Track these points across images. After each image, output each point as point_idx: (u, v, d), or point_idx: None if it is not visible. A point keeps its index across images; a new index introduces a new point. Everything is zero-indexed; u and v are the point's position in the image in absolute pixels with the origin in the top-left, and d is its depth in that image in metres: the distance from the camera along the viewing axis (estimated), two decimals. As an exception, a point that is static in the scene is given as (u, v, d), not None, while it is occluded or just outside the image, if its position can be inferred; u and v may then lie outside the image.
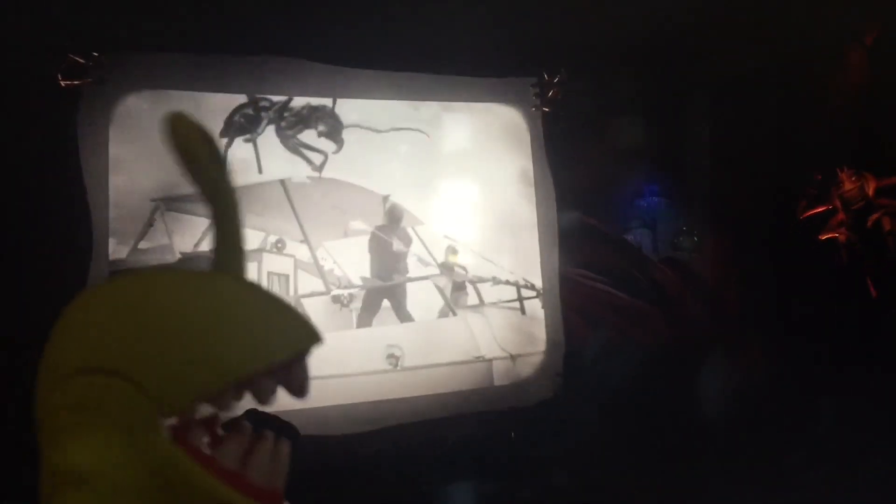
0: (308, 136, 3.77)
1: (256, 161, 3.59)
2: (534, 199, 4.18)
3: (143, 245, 3.45)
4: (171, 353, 0.62)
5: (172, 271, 0.69)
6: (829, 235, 4.09)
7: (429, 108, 4.12)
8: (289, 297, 3.57)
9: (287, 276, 3.63)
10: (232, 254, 0.70)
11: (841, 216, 4.04)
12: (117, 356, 0.60)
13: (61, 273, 3.00)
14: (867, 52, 3.92)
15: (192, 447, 0.64)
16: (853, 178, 4.02)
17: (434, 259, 4.02)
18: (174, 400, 0.62)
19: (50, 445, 0.58)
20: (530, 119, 4.21)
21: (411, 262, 3.97)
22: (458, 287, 4.05)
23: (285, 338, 0.68)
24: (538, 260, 4.15)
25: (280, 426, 2.09)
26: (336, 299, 3.67)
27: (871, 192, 3.97)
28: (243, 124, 3.59)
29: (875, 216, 3.95)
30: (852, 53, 3.98)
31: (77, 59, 3.09)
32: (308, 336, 0.69)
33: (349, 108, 3.89)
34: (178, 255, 3.45)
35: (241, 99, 3.64)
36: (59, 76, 3.06)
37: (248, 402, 0.69)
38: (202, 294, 0.67)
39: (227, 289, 0.69)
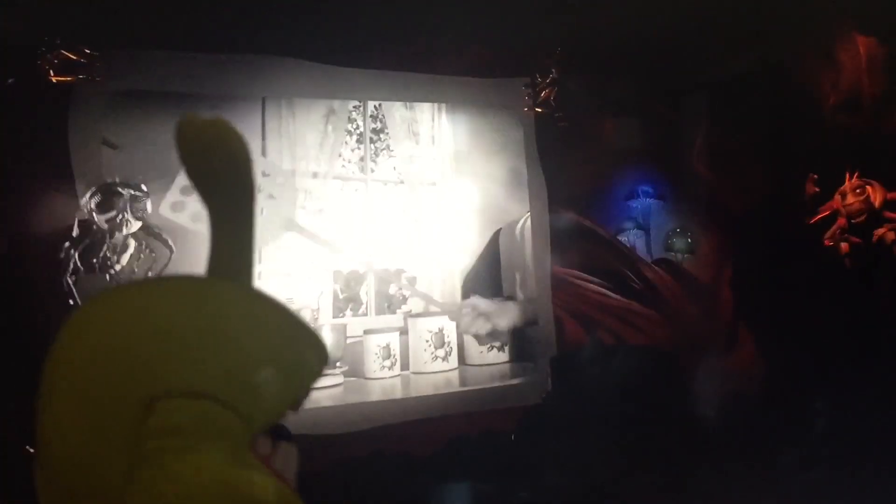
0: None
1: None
2: (526, 200, 4.16)
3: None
4: (257, 375, 0.61)
5: (211, 281, 0.68)
6: (830, 244, 4.01)
7: (422, 109, 4.11)
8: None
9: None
10: (247, 262, 0.68)
11: (843, 221, 3.95)
12: (211, 380, 0.59)
13: (50, 276, 2.97)
14: (869, 52, 3.90)
15: (262, 458, 0.65)
16: (857, 191, 3.81)
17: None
18: (263, 421, 0.63)
19: (144, 467, 0.56)
20: (523, 120, 4.19)
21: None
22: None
23: (320, 349, 0.69)
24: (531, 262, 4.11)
25: (273, 427, 2.08)
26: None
27: (878, 203, 3.76)
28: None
29: (881, 231, 3.78)
30: (851, 53, 3.97)
31: (69, 55, 3.06)
32: (322, 343, 0.70)
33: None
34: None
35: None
36: (51, 72, 3.03)
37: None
38: (261, 309, 0.66)
39: (271, 303, 0.67)
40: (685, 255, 4.45)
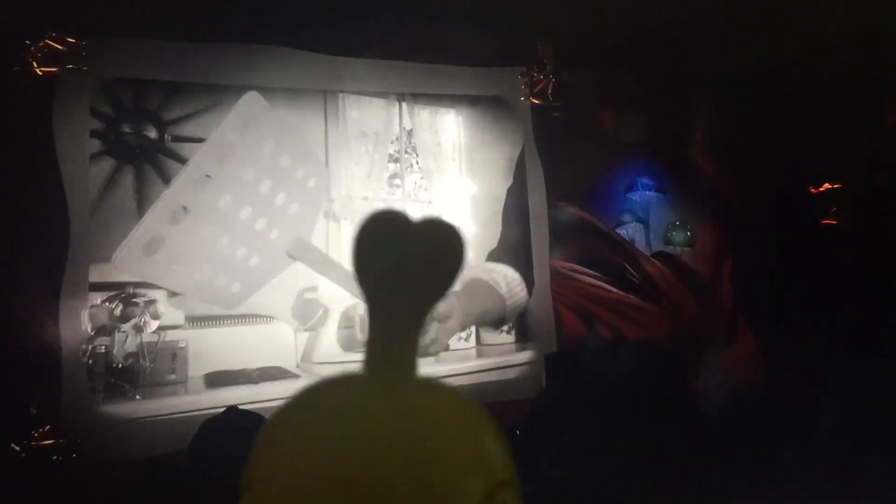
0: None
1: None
2: (524, 192, 4.15)
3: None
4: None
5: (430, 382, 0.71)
6: (831, 222, 4.01)
7: (416, 99, 4.09)
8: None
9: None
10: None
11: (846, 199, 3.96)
12: (507, 467, 0.64)
13: (31, 284, 2.92)
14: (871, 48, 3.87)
15: None
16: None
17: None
18: None
19: None
20: (521, 110, 4.16)
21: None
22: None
23: None
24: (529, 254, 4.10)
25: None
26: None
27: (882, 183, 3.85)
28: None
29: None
30: (855, 47, 3.93)
31: (54, 44, 2.98)
32: None
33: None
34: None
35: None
36: (35, 63, 2.95)
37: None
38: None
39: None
40: (684, 249, 4.42)
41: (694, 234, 4.43)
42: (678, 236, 4.42)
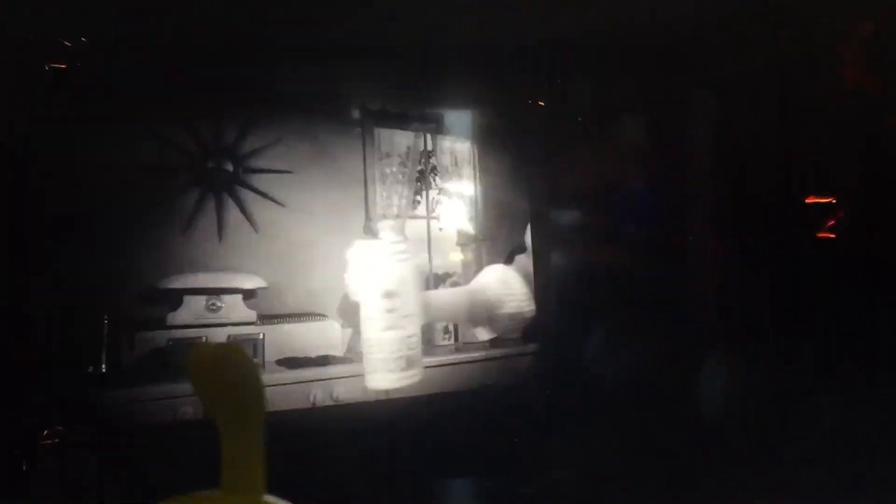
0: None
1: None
2: (528, 198, 4.35)
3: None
4: None
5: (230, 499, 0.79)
6: (827, 235, 4.00)
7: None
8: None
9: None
10: (256, 477, 0.77)
11: (842, 214, 3.95)
12: None
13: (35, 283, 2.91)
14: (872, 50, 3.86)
15: None
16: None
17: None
18: None
19: None
20: (525, 115, 4.28)
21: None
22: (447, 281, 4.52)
23: None
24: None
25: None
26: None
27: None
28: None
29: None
30: (857, 51, 3.93)
31: (52, 43, 2.99)
32: None
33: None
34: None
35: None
36: (32, 62, 2.96)
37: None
38: None
39: None
40: (685, 253, 4.42)
41: (695, 238, 4.43)
42: (678, 241, 4.42)
